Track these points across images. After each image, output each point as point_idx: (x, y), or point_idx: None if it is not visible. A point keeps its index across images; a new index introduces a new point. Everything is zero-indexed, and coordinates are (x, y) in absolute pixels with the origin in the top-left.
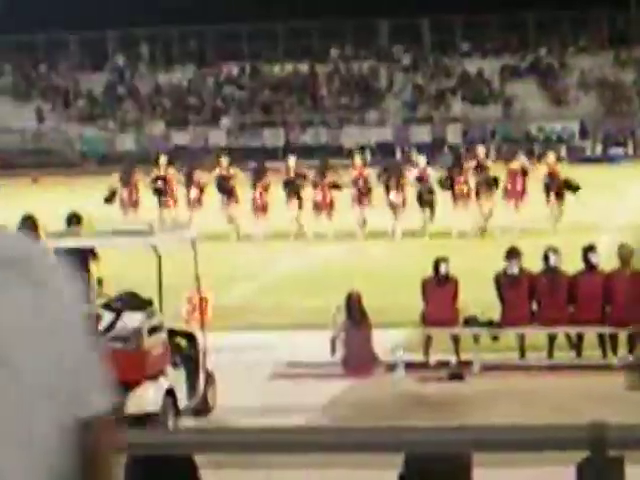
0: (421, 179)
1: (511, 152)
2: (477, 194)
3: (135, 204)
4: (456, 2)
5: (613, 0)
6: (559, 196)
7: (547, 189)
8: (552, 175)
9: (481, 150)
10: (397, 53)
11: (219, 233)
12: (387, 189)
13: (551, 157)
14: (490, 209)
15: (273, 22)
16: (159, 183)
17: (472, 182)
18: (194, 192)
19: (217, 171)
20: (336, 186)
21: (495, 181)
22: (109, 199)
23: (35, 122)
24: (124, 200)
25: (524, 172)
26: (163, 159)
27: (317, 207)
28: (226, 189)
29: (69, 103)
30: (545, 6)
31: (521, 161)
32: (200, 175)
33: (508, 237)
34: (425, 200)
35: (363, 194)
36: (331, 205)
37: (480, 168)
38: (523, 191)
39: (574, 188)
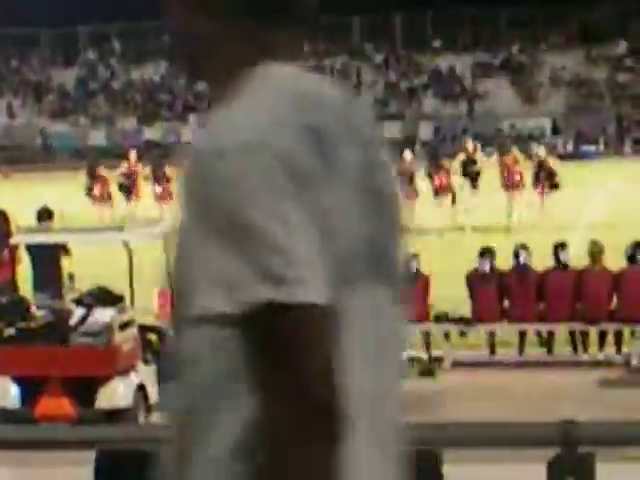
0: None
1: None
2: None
3: (107, 198)
4: None
5: None
6: (552, 188)
7: (536, 181)
8: (542, 168)
9: (470, 144)
10: (369, 50)
11: None
12: None
13: (542, 150)
14: (476, 204)
15: None
16: (125, 179)
17: (457, 176)
18: (160, 187)
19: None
20: None
21: (478, 174)
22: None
23: (5, 117)
24: (95, 195)
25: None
26: (133, 155)
27: None
28: None
29: (41, 98)
30: (516, 3)
31: (514, 154)
32: (168, 170)
33: (483, 233)
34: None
35: None
36: None
37: (470, 162)
38: (520, 181)
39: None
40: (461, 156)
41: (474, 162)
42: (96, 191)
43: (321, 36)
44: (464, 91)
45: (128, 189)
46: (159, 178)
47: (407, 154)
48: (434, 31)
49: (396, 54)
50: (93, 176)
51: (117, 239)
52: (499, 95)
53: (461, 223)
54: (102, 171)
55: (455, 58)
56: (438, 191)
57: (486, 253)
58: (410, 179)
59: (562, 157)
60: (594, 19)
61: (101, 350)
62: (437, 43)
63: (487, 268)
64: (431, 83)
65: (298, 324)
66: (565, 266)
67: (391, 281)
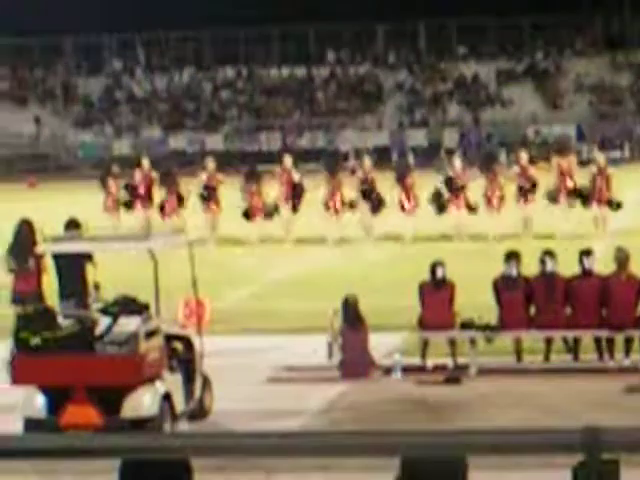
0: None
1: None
2: (524, 198)
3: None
4: (452, 6)
5: (609, 4)
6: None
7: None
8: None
9: (524, 155)
10: (393, 57)
11: (215, 237)
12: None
13: (601, 159)
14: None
15: (269, 26)
16: (129, 191)
17: (511, 188)
18: (170, 201)
19: (203, 177)
20: (352, 205)
21: (534, 186)
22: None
23: (32, 127)
24: (107, 206)
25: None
26: (146, 163)
27: (327, 208)
28: (209, 197)
29: (66, 108)
30: (541, 10)
31: (570, 160)
32: (181, 181)
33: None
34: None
35: (369, 196)
36: (336, 210)
37: (524, 174)
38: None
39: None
40: (515, 168)
41: (529, 175)
42: (109, 202)
43: (345, 44)
44: (489, 98)
45: (130, 203)
46: (168, 190)
47: (457, 162)
48: (458, 38)
49: (420, 61)
50: (104, 186)
51: (142, 248)
52: (524, 102)
53: (516, 231)
54: (111, 182)
55: (479, 65)
56: (490, 202)
57: (512, 257)
58: (462, 188)
59: (587, 163)
60: (618, 25)
61: (127, 359)
62: (461, 50)
63: (514, 272)
64: (456, 90)
65: None
66: (591, 273)
67: None
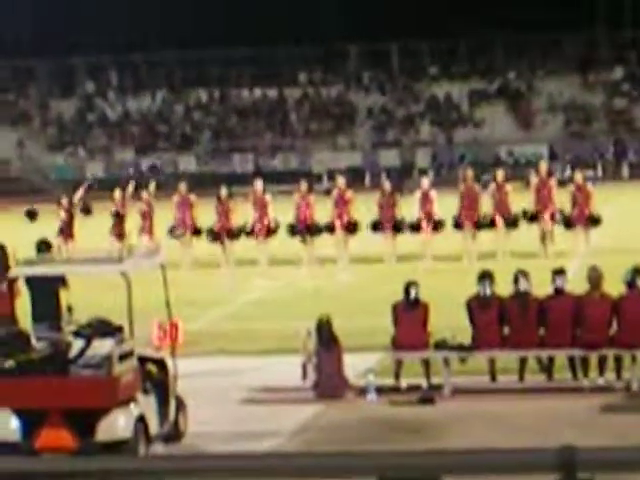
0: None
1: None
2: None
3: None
4: (424, 27)
5: (581, 24)
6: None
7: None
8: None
9: (500, 173)
10: (366, 78)
11: (189, 259)
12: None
13: (579, 177)
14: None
15: (241, 48)
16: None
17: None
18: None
19: (175, 198)
20: (354, 227)
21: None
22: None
23: (3, 150)
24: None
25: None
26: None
27: (296, 230)
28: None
29: (39, 130)
30: (513, 30)
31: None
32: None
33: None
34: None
35: (344, 216)
36: (309, 228)
37: (500, 191)
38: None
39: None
40: (492, 187)
41: (505, 192)
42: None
43: (317, 65)
44: (461, 118)
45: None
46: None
47: (425, 181)
48: (430, 59)
49: (393, 82)
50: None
51: (116, 270)
52: (496, 122)
53: (493, 250)
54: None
55: (452, 85)
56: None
57: (485, 277)
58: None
59: (559, 183)
60: (590, 45)
61: (101, 381)
62: (433, 70)
63: (487, 292)
64: (428, 110)
65: None
66: (564, 292)
67: None
